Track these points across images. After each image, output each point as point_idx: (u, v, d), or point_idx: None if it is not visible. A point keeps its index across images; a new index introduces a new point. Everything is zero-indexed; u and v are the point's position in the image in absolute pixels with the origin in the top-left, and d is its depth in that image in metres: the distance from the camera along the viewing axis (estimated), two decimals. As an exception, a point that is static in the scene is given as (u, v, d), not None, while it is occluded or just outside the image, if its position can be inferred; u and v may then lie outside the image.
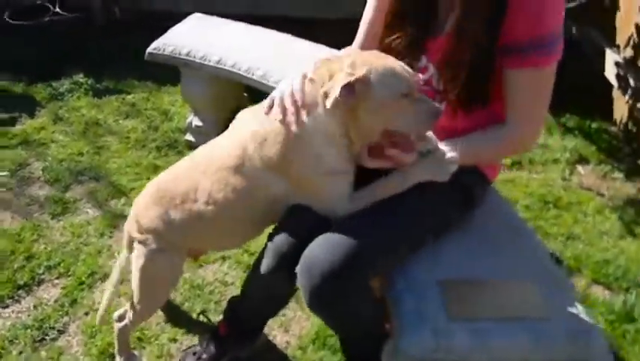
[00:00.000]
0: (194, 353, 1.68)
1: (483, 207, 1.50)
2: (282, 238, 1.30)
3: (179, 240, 1.47)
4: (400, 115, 1.21)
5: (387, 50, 1.33)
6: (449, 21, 1.25)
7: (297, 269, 1.23)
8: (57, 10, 3.52)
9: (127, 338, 1.70)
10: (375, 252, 1.24)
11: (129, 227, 1.54)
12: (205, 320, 1.76)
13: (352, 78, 1.15)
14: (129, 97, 3.25)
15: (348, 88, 1.15)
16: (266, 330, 1.86)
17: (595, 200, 2.53)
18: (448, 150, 1.30)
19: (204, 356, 1.66)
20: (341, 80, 1.15)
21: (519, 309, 1.28)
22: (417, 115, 1.22)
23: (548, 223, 2.38)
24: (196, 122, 2.76)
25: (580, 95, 3.01)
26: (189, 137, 2.82)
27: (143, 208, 1.50)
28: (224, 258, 2.14)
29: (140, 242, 1.50)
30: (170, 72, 2.78)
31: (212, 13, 2.91)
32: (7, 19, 3.40)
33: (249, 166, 1.31)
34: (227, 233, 1.46)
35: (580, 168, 2.76)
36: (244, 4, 3.73)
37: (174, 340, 1.83)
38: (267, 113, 1.28)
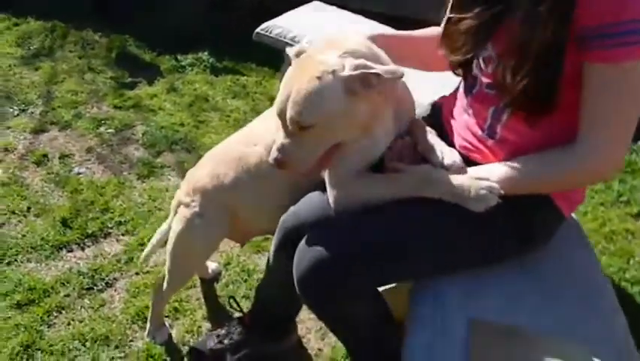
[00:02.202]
0: (218, 336, 1.62)
1: (554, 247, 1.25)
2: (289, 216, 1.25)
3: (224, 197, 1.42)
4: None
5: (452, 31, 1.15)
6: (521, 5, 1.01)
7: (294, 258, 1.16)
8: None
9: (161, 306, 1.70)
10: (370, 256, 1.10)
11: (179, 192, 1.54)
12: (235, 305, 1.69)
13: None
14: (242, 78, 3.31)
15: None
16: (302, 333, 1.76)
17: None
18: (489, 176, 1.07)
19: (226, 341, 1.60)
20: None
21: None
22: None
23: (665, 291, 1.98)
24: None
25: None
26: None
27: (195, 169, 1.54)
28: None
29: (184, 205, 1.48)
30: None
31: (347, 7, 2.78)
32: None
33: None
34: (273, 191, 1.36)
35: None
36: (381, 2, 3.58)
37: (208, 318, 1.79)
38: None
